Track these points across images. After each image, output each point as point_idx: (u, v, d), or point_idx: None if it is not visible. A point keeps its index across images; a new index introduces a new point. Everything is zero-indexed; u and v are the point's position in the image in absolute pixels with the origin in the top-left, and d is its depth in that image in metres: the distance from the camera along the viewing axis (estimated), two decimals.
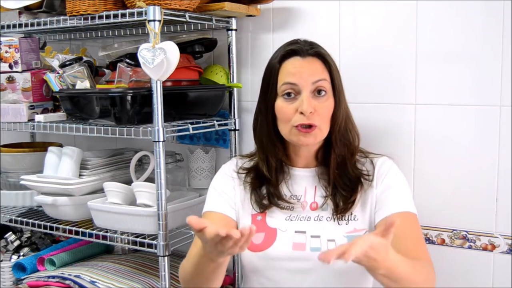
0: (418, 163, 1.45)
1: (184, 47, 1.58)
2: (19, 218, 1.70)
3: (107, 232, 1.51)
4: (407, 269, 1.05)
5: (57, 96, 1.64)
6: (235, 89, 1.65)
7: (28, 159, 1.82)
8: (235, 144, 1.66)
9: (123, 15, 1.38)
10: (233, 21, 1.62)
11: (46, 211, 1.66)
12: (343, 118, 1.23)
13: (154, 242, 1.41)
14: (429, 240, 1.45)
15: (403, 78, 1.45)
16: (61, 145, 1.76)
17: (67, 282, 1.54)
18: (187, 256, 1.23)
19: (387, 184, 1.23)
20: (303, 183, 1.28)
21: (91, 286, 1.51)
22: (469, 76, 1.37)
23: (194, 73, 1.61)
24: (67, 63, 1.61)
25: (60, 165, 1.61)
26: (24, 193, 1.80)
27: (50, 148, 1.68)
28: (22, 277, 1.67)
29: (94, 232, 1.52)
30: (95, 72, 1.69)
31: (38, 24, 1.56)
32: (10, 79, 1.67)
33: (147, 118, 1.39)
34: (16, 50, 1.66)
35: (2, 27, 1.65)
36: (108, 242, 1.53)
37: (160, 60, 1.28)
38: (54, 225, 1.61)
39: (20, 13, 1.65)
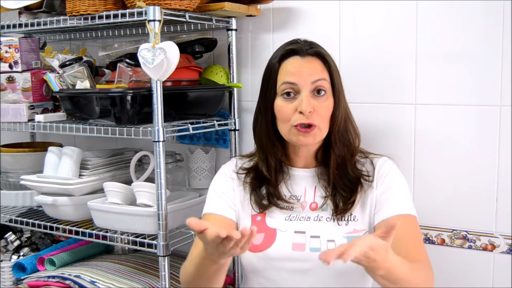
0: (418, 163, 1.45)
1: (184, 47, 1.58)
2: (19, 218, 1.70)
3: (107, 232, 1.51)
4: (406, 271, 1.05)
5: (57, 96, 1.64)
6: (235, 89, 1.65)
7: (28, 159, 1.82)
8: (235, 144, 1.66)
9: (123, 15, 1.38)
10: (233, 21, 1.62)
11: (46, 211, 1.66)
12: (343, 118, 1.23)
13: (154, 242, 1.41)
14: (429, 240, 1.45)
15: (403, 78, 1.45)
16: (61, 145, 1.76)
17: (67, 282, 1.54)
18: (188, 258, 1.23)
19: (387, 185, 1.23)
20: (303, 183, 1.28)
21: (91, 286, 1.51)
22: (469, 76, 1.37)
23: (194, 73, 1.61)
24: (67, 63, 1.61)
25: (60, 165, 1.61)
26: (24, 193, 1.80)
27: (50, 148, 1.68)
28: (22, 277, 1.67)
29: (94, 232, 1.52)
30: (95, 72, 1.69)
31: (38, 24, 1.56)
32: (10, 79, 1.67)
33: (147, 118, 1.39)
34: (16, 50, 1.66)
35: (2, 27, 1.65)
36: (108, 242, 1.53)
37: (160, 60, 1.28)
38: (54, 225, 1.61)
39: (20, 13, 1.65)
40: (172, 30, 1.64)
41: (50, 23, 1.53)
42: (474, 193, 1.39)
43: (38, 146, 1.90)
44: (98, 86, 1.61)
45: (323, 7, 1.55)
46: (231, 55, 1.64)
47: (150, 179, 1.51)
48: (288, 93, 1.20)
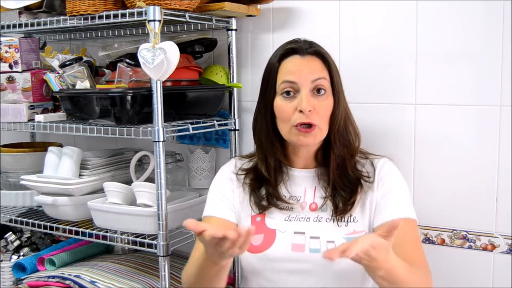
0: (418, 163, 1.45)
1: (184, 47, 1.58)
2: (19, 218, 1.70)
3: (107, 232, 1.51)
4: (405, 273, 1.06)
5: (57, 96, 1.64)
6: (235, 89, 1.65)
7: (28, 159, 1.82)
8: (235, 144, 1.66)
9: (123, 15, 1.38)
10: (233, 21, 1.62)
11: (46, 211, 1.66)
12: (342, 117, 1.22)
13: (154, 242, 1.41)
14: (429, 240, 1.45)
15: (403, 78, 1.45)
16: (61, 145, 1.76)
17: (67, 282, 1.54)
18: (189, 260, 1.23)
19: (388, 188, 1.22)
20: (303, 184, 1.27)
21: (91, 286, 1.51)
22: (469, 76, 1.37)
23: (194, 73, 1.61)
24: (67, 63, 1.61)
25: (60, 165, 1.61)
26: (24, 193, 1.80)
27: (50, 148, 1.68)
28: (22, 277, 1.67)
29: (94, 232, 1.52)
30: (95, 72, 1.69)
31: (38, 24, 1.56)
32: (10, 79, 1.67)
33: (147, 118, 1.39)
34: (16, 50, 1.66)
35: (2, 27, 1.65)
36: (108, 242, 1.53)
37: (160, 60, 1.28)
38: (54, 225, 1.61)
39: (20, 13, 1.65)
40: (172, 30, 1.64)
41: (50, 23, 1.53)
42: (474, 193, 1.39)
43: (38, 146, 1.90)
44: (98, 86, 1.61)
45: (323, 7, 1.55)
46: (231, 55, 1.64)
47: (150, 179, 1.51)
48: (288, 92, 1.20)
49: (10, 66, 1.68)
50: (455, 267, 1.43)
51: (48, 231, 1.63)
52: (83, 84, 1.59)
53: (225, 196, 1.29)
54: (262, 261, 1.21)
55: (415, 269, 1.11)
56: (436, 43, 1.40)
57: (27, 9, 1.62)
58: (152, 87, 1.34)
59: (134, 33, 1.74)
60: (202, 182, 1.71)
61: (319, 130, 1.19)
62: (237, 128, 1.66)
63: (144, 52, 1.30)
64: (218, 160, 1.75)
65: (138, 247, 1.46)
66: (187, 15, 1.42)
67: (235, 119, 1.65)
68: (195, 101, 1.56)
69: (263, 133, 1.26)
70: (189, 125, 1.48)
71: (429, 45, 1.41)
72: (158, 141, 1.36)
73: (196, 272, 1.17)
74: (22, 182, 1.65)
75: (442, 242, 1.44)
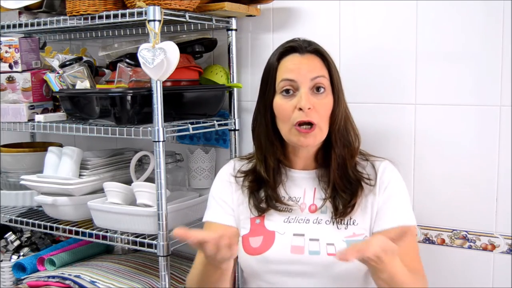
0: (418, 163, 1.45)
1: (184, 47, 1.58)
2: (19, 218, 1.70)
3: (107, 232, 1.51)
4: (406, 278, 1.07)
5: (57, 96, 1.64)
6: (235, 89, 1.65)
7: (28, 159, 1.82)
8: (235, 144, 1.66)
9: (123, 15, 1.38)
10: (233, 21, 1.62)
11: (46, 211, 1.66)
12: (342, 117, 1.22)
13: (154, 242, 1.41)
14: (429, 240, 1.45)
15: (403, 78, 1.45)
16: (61, 145, 1.76)
17: (67, 282, 1.54)
18: (193, 265, 1.25)
19: (390, 193, 1.22)
20: (303, 185, 1.26)
21: (91, 286, 1.51)
22: (469, 76, 1.37)
23: (194, 73, 1.61)
24: (67, 63, 1.61)
25: (60, 165, 1.61)
26: (24, 193, 1.80)
27: (50, 148, 1.68)
28: (22, 277, 1.67)
29: (94, 232, 1.52)
30: (95, 72, 1.69)
31: (38, 24, 1.56)
32: (10, 79, 1.67)
33: (147, 118, 1.39)
34: (16, 50, 1.66)
35: (2, 27, 1.65)
36: (108, 242, 1.53)
37: (160, 60, 1.28)
38: (54, 225, 1.61)
39: (20, 13, 1.65)
40: (172, 30, 1.64)
41: (50, 23, 1.53)
42: (474, 193, 1.39)
43: (38, 146, 1.90)
44: (98, 86, 1.61)
45: (323, 7, 1.55)
46: (231, 55, 1.64)
47: (150, 179, 1.51)
48: (287, 91, 1.19)
49: (10, 66, 1.68)
50: (455, 267, 1.43)
51: (48, 231, 1.63)
52: (83, 84, 1.59)
53: (224, 201, 1.29)
54: (261, 263, 1.20)
55: (414, 275, 1.12)
56: (436, 43, 1.40)
57: (27, 9, 1.62)
58: (152, 87, 1.34)
59: (134, 33, 1.74)
60: (202, 182, 1.71)
61: (319, 130, 1.18)
62: (237, 128, 1.66)
63: (144, 52, 1.30)
64: (218, 160, 1.75)
65: (138, 247, 1.46)
66: (187, 15, 1.42)
67: (235, 119, 1.65)
68: (195, 101, 1.56)
69: (263, 133, 1.25)
70: (189, 125, 1.48)
71: (429, 45, 1.41)
72: (158, 141, 1.36)
73: (200, 276, 1.20)
74: (22, 182, 1.65)
75: (442, 242, 1.44)
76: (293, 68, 1.19)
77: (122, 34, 1.80)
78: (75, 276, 1.55)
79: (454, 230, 1.43)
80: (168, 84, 1.50)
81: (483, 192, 1.37)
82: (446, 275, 1.43)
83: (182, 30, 1.64)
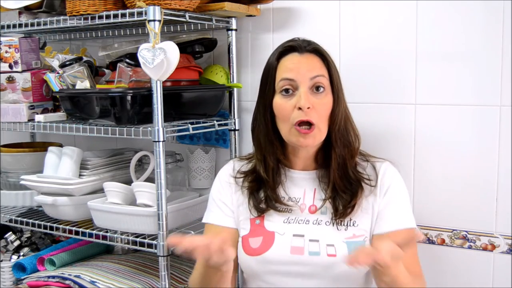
0: (418, 163, 1.45)
1: (184, 47, 1.58)
2: (19, 218, 1.70)
3: (107, 232, 1.51)
4: (407, 281, 1.07)
5: (57, 96, 1.64)
6: (235, 89, 1.65)
7: (28, 159, 1.82)
8: (235, 144, 1.66)
9: (123, 15, 1.38)
10: (233, 21, 1.62)
11: (46, 211, 1.66)
12: (342, 116, 1.21)
13: (154, 242, 1.41)
14: (429, 240, 1.45)
15: (403, 78, 1.45)
16: (61, 145, 1.76)
17: (67, 282, 1.54)
18: (195, 267, 1.26)
19: (391, 197, 1.21)
20: (302, 186, 1.26)
21: (91, 286, 1.51)
22: (469, 76, 1.37)
23: (194, 73, 1.61)
24: (67, 63, 1.61)
25: (60, 165, 1.61)
26: (24, 193, 1.80)
27: (50, 148, 1.68)
28: (22, 277, 1.67)
29: (94, 232, 1.52)
30: (95, 72, 1.69)
31: (38, 24, 1.56)
32: (10, 79, 1.67)
33: (147, 118, 1.39)
34: (16, 50, 1.66)
35: (2, 27, 1.65)
36: (108, 242, 1.53)
37: (160, 60, 1.28)
38: (54, 225, 1.61)
39: (20, 13, 1.65)
40: (172, 30, 1.64)
41: (50, 23, 1.53)
42: (474, 193, 1.39)
43: (38, 146, 1.90)
44: (98, 86, 1.61)
45: (323, 7, 1.54)
46: (231, 55, 1.64)
47: (150, 179, 1.51)
48: (286, 90, 1.19)
49: (10, 66, 1.68)
50: (455, 267, 1.43)
51: (48, 231, 1.63)
52: (83, 84, 1.59)
53: (223, 202, 1.29)
54: (260, 263, 1.20)
55: (414, 277, 1.13)
56: (436, 43, 1.40)
57: (27, 9, 1.62)
58: (152, 87, 1.34)
59: (134, 33, 1.74)
60: (202, 182, 1.71)
61: (318, 131, 1.18)
62: (237, 128, 1.66)
63: (144, 52, 1.30)
64: (218, 160, 1.75)
65: (138, 247, 1.46)
66: (187, 15, 1.42)
67: (235, 119, 1.65)
68: (195, 101, 1.56)
69: (262, 133, 1.25)
70: (189, 125, 1.48)
71: (429, 45, 1.41)
72: (158, 141, 1.36)
73: (201, 278, 1.21)
74: (22, 182, 1.65)
75: (442, 242, 1.44)
76: (293, 67, 1.19)
77: (122, 34, 1.80)
78: (75, 276, 1.55)
79: (454, 230, 1.43)
80: (168, 84, 1.50)
81: (483, 192, 1.37)
82: (446, 275, 1.43)
83: (182, 30, 1.64)
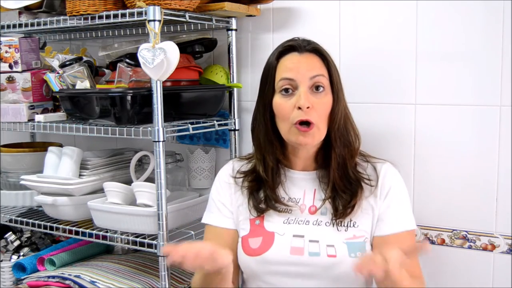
0: (418, 163, 1.45)
1: (184, 47, 1.58)
2: (19, 218, 1.70)
3: (107, 232, 1.51)
4: (407, 283, 1.06)
5: (57, 96, 1.64)
6: (235, 89, 1.65)
7: (28, 159, 1.82)
8: (235, 144, 1.66)
9: (123, 15, 1.38)
10: (233, 21, 1.62)
11: (46, 211, 1.66)
12: (342, 116, 1.21)
13: (154, 242, 1.41)
14: (429, 240, 1.45)
15: (403, 78, 1.45)
16: (61, 145, 1.76)
17: (67, 282, 1.54)
18: (196, 271, 1.26)
19: (391, 198, 1.21)
20: (302, 186, 1.26)
21: (91, 286, 1.51)
22: (469, 76, 1.37)
23: (194, 73, 1.61)
24: (67, 63, 1.61)
25: (60, 165, 1.61)
26: (24, 193, 1.80)
27: (50, 148, 1.68)
28: (22, 277, 1.67)
29: (94, 232, 1.53)
30: (95, 72, 1.69)
31: (38, 24, 1.56)
32: (10, 79, 1.67)
33: (147, 118, 1.39)
34: (16, 50, 1.66)
35: (2, 27, 1.65)
36: (108, 242, 1.53)
37: (160, 60, 1.28)
38: (54, 225, 1.61)
39: (20, 13, 1.65)
40: (172, 30, 1.64)
41: (50, 23, 1.53)
42: (474, 193, 1.39)
43: (38, 146, 1.90)
44: (98, 86, 1.61)
45: (323, 7, 1.54)
46: (231, 55, 1.64)
47: (150, 179, 1.51)
48: (286, 90, 1.19)
49: (10, 66, 1.68)
50: (455, 267, 1.43)
51: (48, 231, 1.63)
52: (83, 84, 1.59)
53: (223, 203, 1.29)
54: (260, 264, 1.20)
55: (414, 278, 1.13)
56: (436, 43, 1.40)
57: (27, 9, 1.62)
58: (152, 87, 1.34)
59: (134, 33, 1.74)
60: (202, 182, 1.71)
61: (317, 130, 1.18)
62: (237, 128, 1.66)
63: (144, 52, 1.30)
64: (218, 160, 1.75)
65: (138, 247, 1.46)
66: (187, 15, 1.42)
67: (235, 119, 1.65)
68: (195, 101, 1.56)
69: (262, 132, 1.25)
70: (189, 125, 1.48)
71: (429, 45, 1.41)
72: (158, 141, 1.36)
73: (202, 280, 1.21)
74: (22, 182, 1.65)
75: (442, 242, 1.44)
76: (292, 67, 1.19)
77: (122, 34, 1.80)
78: (75, 276, 1.55)
79: (454, 230, 1.43)
80: (168, 84, 1.50)
81: (483, 192, 1.37)
82: (446, 275, 1.43)
83: (182, 30, 1.64)
